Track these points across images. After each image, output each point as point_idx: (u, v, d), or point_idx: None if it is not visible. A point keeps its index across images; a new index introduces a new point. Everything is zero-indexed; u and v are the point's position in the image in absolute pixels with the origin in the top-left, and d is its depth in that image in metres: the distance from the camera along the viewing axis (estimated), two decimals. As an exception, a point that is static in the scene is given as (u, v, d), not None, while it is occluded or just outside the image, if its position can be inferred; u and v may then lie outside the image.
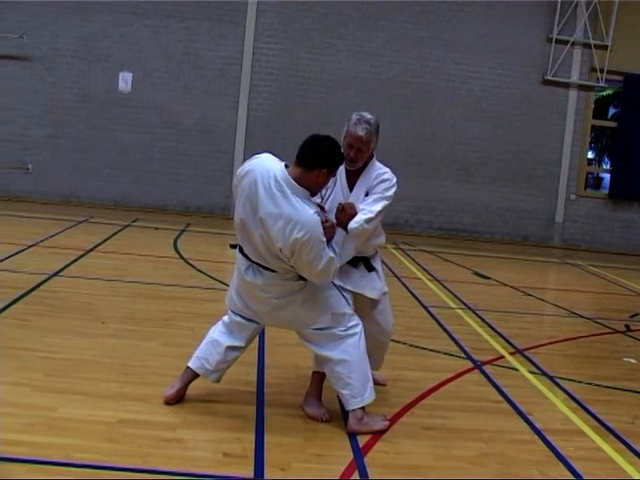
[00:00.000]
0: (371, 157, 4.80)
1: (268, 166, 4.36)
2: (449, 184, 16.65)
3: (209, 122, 15.97)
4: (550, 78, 16.51)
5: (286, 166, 4.37)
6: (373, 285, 4.93)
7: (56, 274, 8.30)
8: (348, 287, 4.80)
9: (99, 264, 9.28)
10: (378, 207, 4.66)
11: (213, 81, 15.93)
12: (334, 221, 4.49)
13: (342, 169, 4.74)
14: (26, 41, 15.16)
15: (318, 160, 4.31)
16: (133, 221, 13.80)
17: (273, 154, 4.51)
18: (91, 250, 10.13)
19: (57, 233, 11.32)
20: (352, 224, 4.56)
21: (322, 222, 4.27)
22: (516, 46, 16.43)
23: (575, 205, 17.10)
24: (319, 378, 4.87)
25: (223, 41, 15.84)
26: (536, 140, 16.75)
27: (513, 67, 16.53)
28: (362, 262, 4.91)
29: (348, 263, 4.79)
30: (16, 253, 9.26)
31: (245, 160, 4.60)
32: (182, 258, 10.38)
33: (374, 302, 4.97)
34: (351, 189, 4.78)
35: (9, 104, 15.37)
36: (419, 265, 11.82)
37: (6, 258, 8.86)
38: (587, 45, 16.57)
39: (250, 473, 3.90)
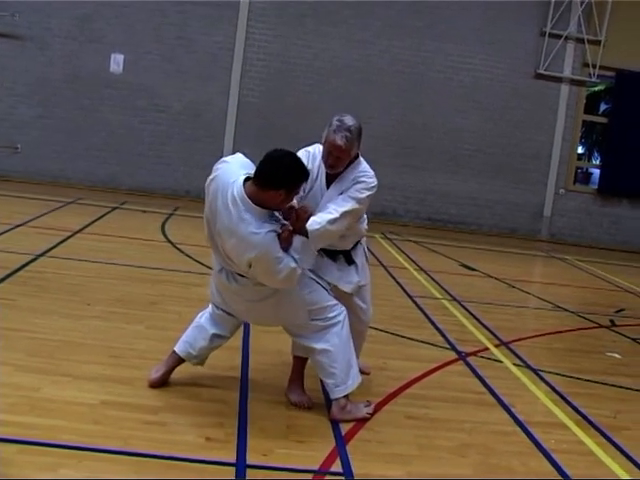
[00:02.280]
0: (356, 157, 4.68)
1: (230, 177, 4.17)
2: (438, 175, 16.63)
3: (200, 106, 15.89)
4: (542, 72, 16.51)
5: (249, 178, 4.16)
6: (348, 279, 4.88)
7: (43, 255, 8.27)
8: (325, 278, 4.73)
9: (87, 246, 9.26)
10: (345, 207, 4.50)
11: (205, 65, 15.85)
12: (291, 228, 4.21)
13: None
14: (18, 20, 15.03)
15: (273, 181, 4.04)
16: (121, 203, 13.75)
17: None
18: (79, 231, 10.10)
19: (45, 213, 11.27)
20: (314, 225, 4.33)
21: (279, 235, 4.12)
22: (509, 39, 16.41)
23: (564, 199, 17.14)
24: (300, 363, 4.86)
25: (216, 26, 15.75)
26: (526, 134, 16.75)
27: (506, 60, 16.51)
28: (342, 255, 4.87)
29: (327, 256, 4.77)
30: (3, 233, 9.22)
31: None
32: (169, 242, 10.37)
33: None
34: (328, 187, 4.67)
35: (-1, 82, 15.30)
36: (406, 255, 11.83)
37: (-7, 237, 8.84)
38: (580, 40, 16.57)
39: (232, 458, 3.90)
